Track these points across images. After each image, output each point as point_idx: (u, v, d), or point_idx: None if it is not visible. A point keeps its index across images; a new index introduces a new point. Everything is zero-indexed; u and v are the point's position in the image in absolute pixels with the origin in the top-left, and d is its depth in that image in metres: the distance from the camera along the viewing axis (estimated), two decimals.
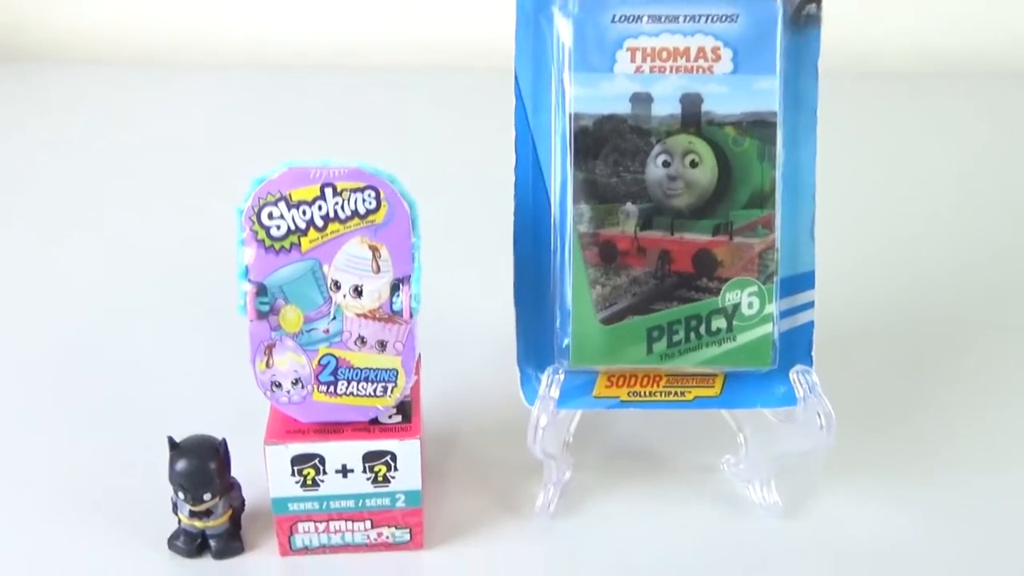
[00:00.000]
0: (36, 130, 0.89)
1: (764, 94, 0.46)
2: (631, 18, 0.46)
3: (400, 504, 0.46)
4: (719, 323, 0.46)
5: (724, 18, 0.45)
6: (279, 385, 0.44)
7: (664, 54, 0.45)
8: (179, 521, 0.46)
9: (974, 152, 0.83)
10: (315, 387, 0.44)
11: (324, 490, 0.45)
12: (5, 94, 0.95)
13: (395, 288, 0.43)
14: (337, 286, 0.43)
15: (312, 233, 0.42)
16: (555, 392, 0.46)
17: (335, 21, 1.00)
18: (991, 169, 0.80)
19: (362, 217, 0.42)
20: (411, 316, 0.44)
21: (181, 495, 0.45)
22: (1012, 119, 0.88)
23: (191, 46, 1.01)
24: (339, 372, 0.44)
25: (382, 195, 0.42)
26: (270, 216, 0.42)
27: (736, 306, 0.46)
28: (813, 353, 0.47)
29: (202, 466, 0.44)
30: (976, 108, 0.89)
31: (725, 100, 0.46)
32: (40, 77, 0.98)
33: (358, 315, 0.43)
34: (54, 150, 0.86)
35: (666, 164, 0.46)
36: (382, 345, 0.44)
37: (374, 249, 0.43)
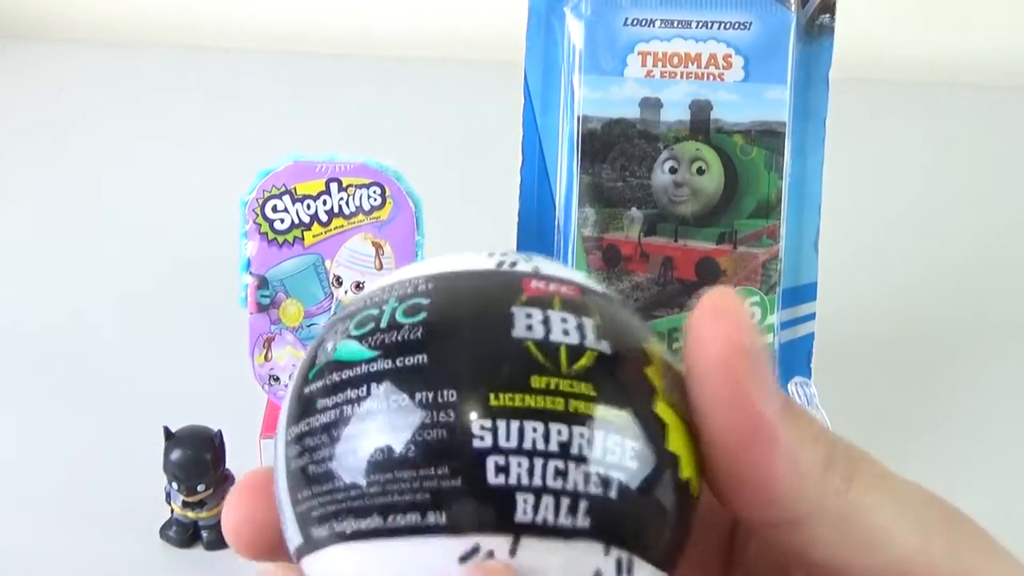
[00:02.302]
0: (30, 114, 0.89)
1: (774, 103, 0.45)
2: (643, 22, 0.45)
3: None
4: None
5: (737, 25, 0.45)
6: (277, 379, 0.44)
7: (675, 59, 0.45)
8: (172, 511, 0.46)
9: (983, 165, 0.82)
10: None
11: None
12: None
13: None
14: (339, 282, 0.43)
15: (316, 228, 0.42)
16: None
17: (349, 9, 0.99)
18: (1001, 183, 0.80)
19: (366, 213, 0.42)
20: None
21: (175, 485, 0.45)
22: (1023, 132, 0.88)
23: (196, 27, 1.00)
24: None
25: (387, 192, 0.42)
26: (274, 209, 0.42)
27: None
28: (812, 365, 0.47)
29: (197, 457, 0.44)
30: (986, 121, 0.89)
31: (734, 108, 0.45)
32: (31, 57, 0.97)
33: None
34: (48, 135, 0.85)
35: (673, 170, 0.46)
36: None
37: (377, 246, 0.43)
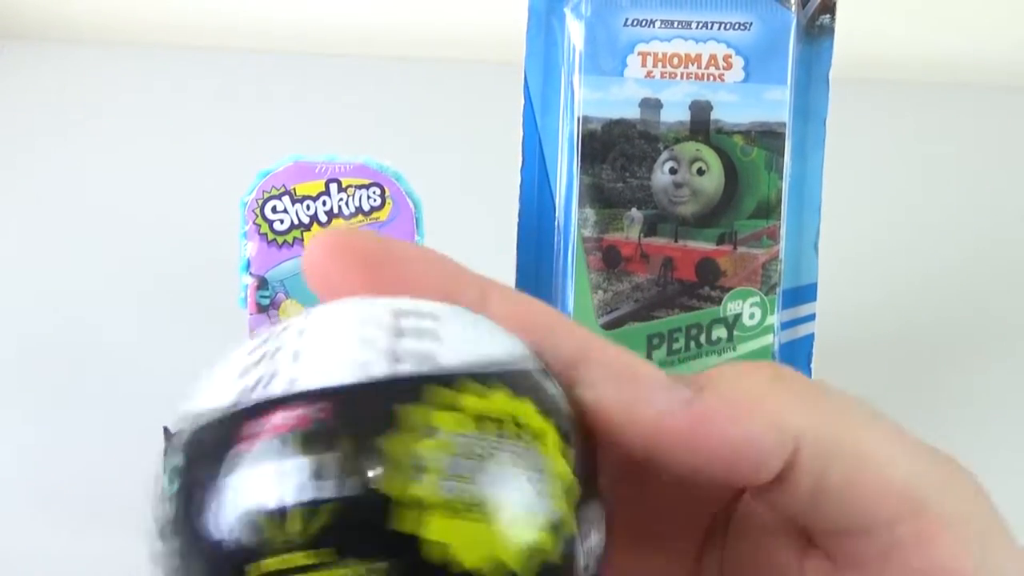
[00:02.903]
0: (29, 114, 0.89)
1: (774, 104, 0.45)
2: (644, 22, 0.45)
3: None
4: (720, 332, 0.46)
5: (737, 26, 0.45)
6: None
7: (675, 60, 0.45)
8: None
9: (984, 166, 0.82)
10: None
11: None
12: None
13: None
14: None
15: (315, 228, 0.42)
16: None
17: (349, 9, 0.99)
18: (1001, 183, 0.80)
19: (366, 214, 0.42)
20: None
21: None
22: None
23: (195, 27, 1.00)
24: None
25: (387, 193, 0.42)
26: (274, 210, 0.42)
27: (737, 316, 0.46)
28: (813, 366, 0.47)
29: None
30: (987, 121, 0.89)
31: (734, 109, 0.45)
32: (26, 57, 0.97)
33: None
34: (47, 135, 0.85)
35: (673, 171, 0.46)
36: None
37: None
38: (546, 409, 0.17)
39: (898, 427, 0.20)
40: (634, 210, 0.46)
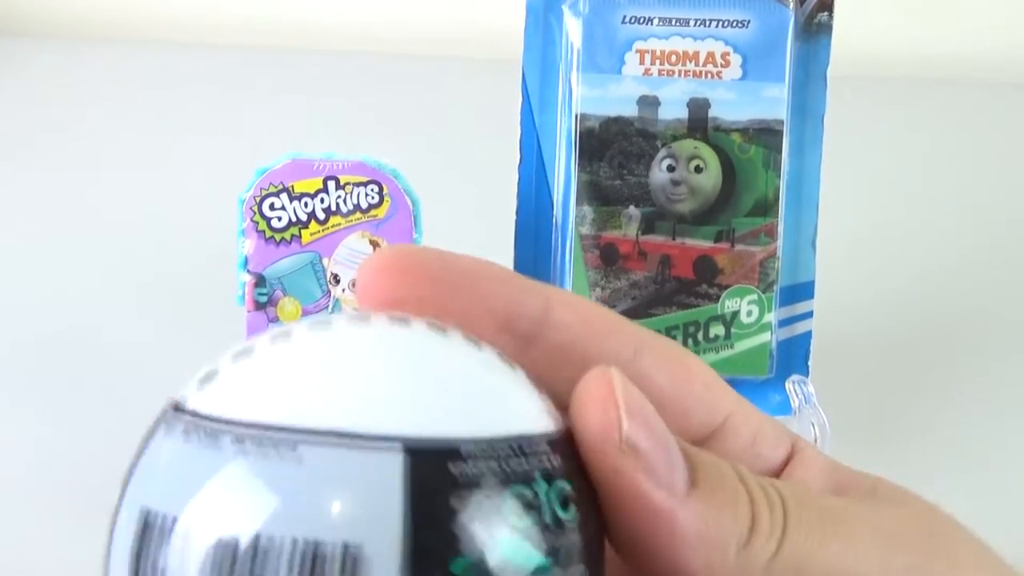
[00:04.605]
0: (27, 112, 0.89)
1: (772, 102, 0.45)
2: (641, 20, 0.45)
3: None
4: (717, 330, 0.46)
5: (735, 23, 0.45)
6: None
7: (673, 57, 0.45)
8: None
9: (982, 163, 0.82)
10: None
11: None
12: None
13: None
14: (336, 280, 0.43)
15: (313, 226, 0.42)
16: None
17: (347, 6, 0.99)
18: (999, 180, 0.80)
19: (364, 212, 0.42)
20: None
21: None
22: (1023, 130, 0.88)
23: (193, 24, 1.00)
24: None
25: (385, 190, 0.42)
26: (271, 207, 0.42)
27: (735, 314, 0.46)
28: (810, 363, 0.47)
29: None
30: (985, 118, 0.89)
31: (732, 106, 0.45)
32: (25, 55, 0.97)
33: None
34: (44, 133, 0.85)
35: (670, 169, 0.46)
36: None
37: (375, 244, 0.43)
38: None
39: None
40: (632, 208, 0.46)
